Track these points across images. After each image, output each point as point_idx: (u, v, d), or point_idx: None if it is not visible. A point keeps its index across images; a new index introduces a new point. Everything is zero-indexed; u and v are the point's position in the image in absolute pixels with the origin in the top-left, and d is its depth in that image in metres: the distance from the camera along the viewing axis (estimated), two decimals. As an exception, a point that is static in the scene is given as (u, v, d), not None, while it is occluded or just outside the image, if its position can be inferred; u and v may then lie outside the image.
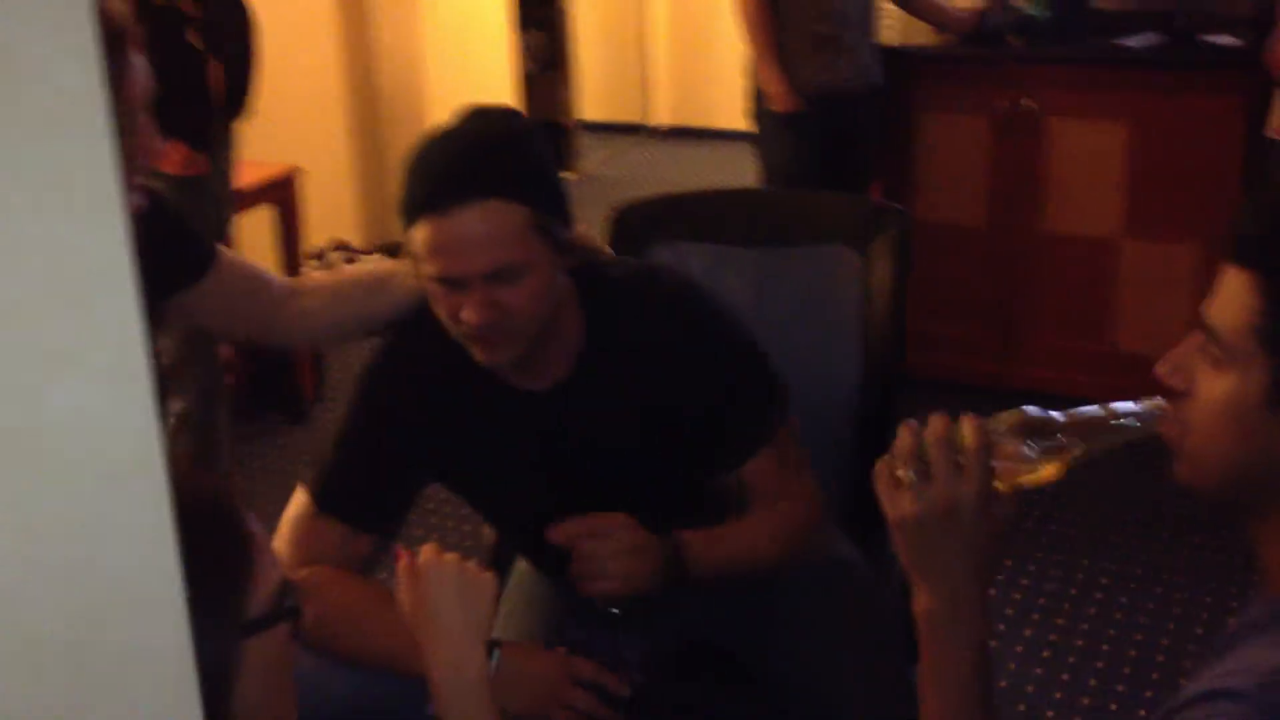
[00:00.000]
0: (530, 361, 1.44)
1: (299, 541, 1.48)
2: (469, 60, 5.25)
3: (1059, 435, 1.02)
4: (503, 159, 1.34)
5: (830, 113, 3.47)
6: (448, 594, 1.20)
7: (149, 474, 0.53)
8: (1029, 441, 1.01)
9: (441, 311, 1.39)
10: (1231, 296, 0.97)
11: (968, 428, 1.01)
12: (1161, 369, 1.03)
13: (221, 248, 1.62)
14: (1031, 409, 1.04)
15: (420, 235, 1.34)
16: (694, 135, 7.09)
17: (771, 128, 3.54)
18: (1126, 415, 1.02)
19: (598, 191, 6.25)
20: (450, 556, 1.24)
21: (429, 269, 1.35)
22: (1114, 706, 2.47)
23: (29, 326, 0.50)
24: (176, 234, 1.54)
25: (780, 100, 3.45)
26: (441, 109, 5.05)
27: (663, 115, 7.32)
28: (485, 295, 1.33)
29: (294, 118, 4.37)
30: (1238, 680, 0.90)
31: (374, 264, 1.72)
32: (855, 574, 1.71)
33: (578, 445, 1.51)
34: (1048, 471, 1.02)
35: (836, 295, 1.94)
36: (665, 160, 6.90)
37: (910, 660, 1.11)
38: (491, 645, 1.38)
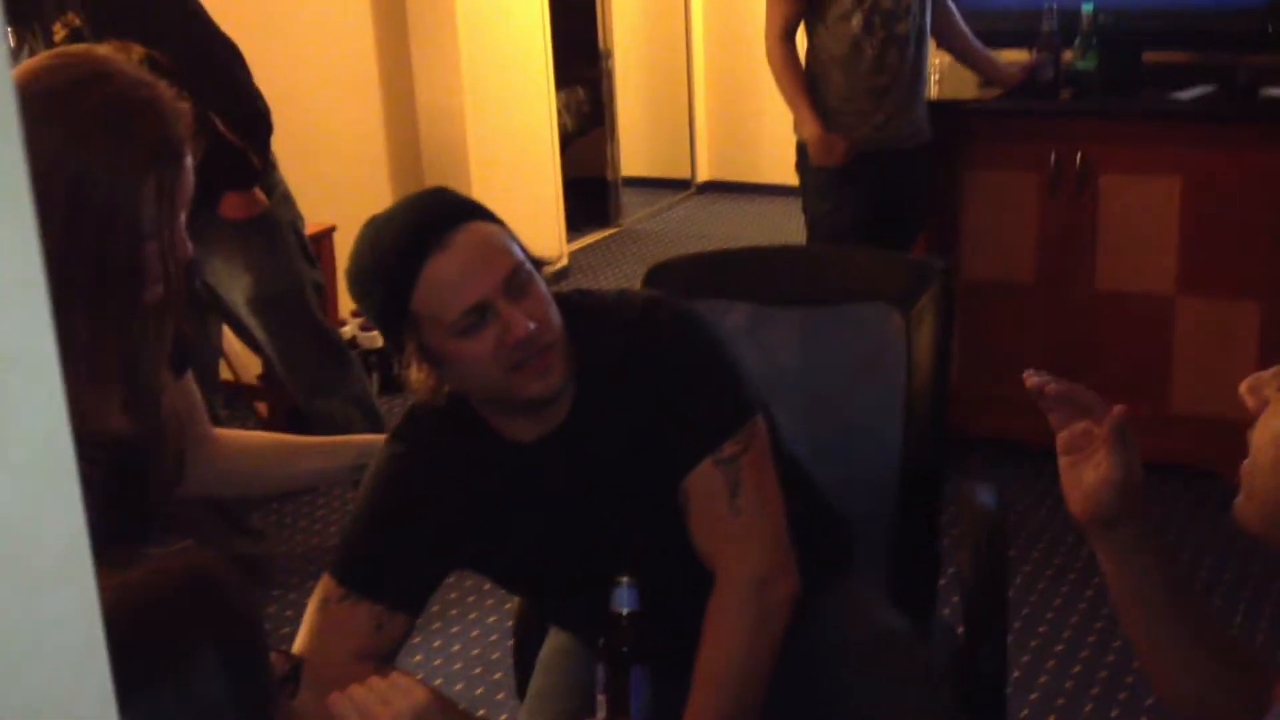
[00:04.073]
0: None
1: (330, 631, 1.43)
2: (510, 119, 5.26)
3: None
4: (458, 196, 1.45)
5: (881, 168, 3.40)
6: None
7: (77, 581, 0.47)
8: None
9: (480, 354, 1.37)
10: None
11: None
12: (1243, 386, 0.99)
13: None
14: None
15: (429, 283, 1.36)
16: (738, 190, 7.06)
17: (817, 182, 3.47)
18: None
19: (639, 246, 6.23)
20: (363, 693, 1.17)
21: (452, 311, 1.35)
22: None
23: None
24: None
25: (818, 150, 3.37)
26: (483, 167, 5.07)
27: (707, 170, 7.30)
28: (516, 311, 1.36)
29: (337, 178, 4.38)
30: None
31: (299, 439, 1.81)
32: (902, 643, 1.64)
33: (588, 483, 1.48)
34: None
35: (879, 355, 1.88)
36: (708, 215, 6.87)
37: None
38: None
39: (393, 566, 1.45)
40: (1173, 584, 1.14)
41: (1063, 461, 1.17)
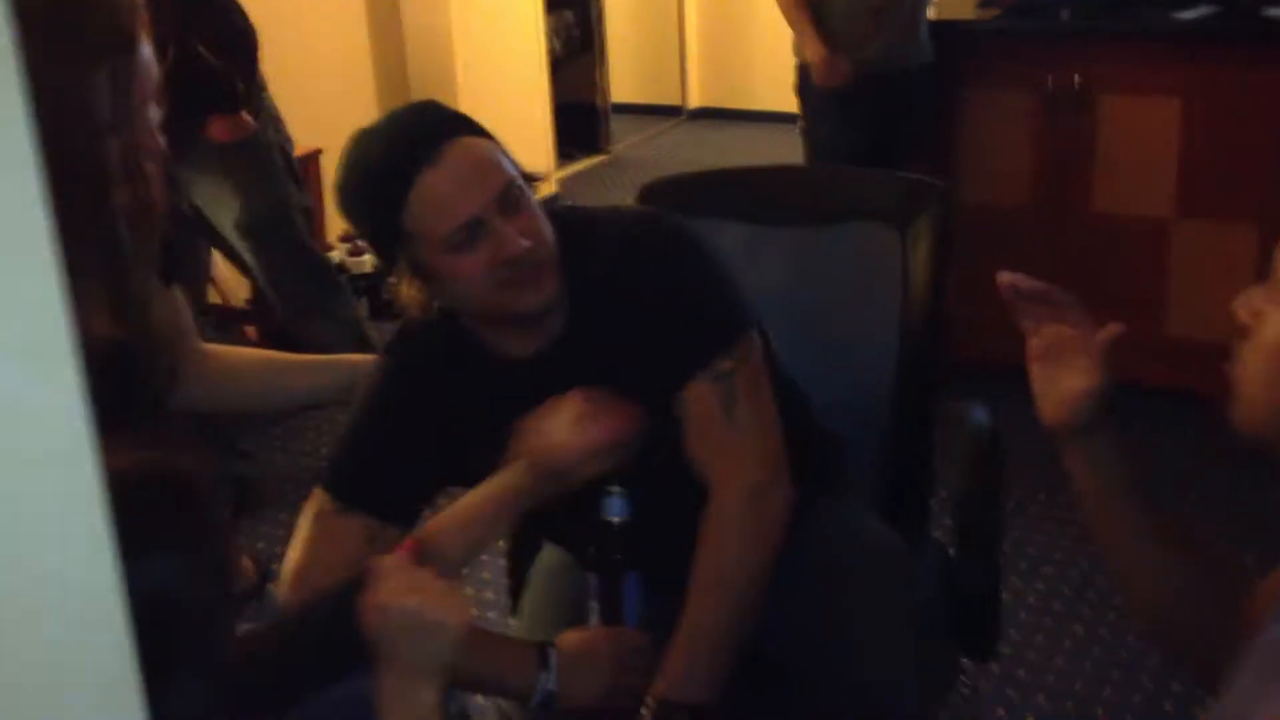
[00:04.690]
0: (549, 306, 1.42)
1: (323, 542, 1.43)
2: (498, 42, 5.18)
3: None
4: (448, 110, 1.42)
5: (884, 90, 3.36)
6: (407, 623, 1.08)
7: (79, 463, 0.46)
8: None
9: (473, 270, 1.35)
10: None
11: None
12: (1237, 301, 1.00)
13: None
14: None
15: (420, 199, 1.33)
16: (731, 117, 6.99)
17: (819, 103, 3.43)
18: None
19: (629, 173, 6.17)
20: (419, 577, 1.12)
21: (445, 228, 1.33)
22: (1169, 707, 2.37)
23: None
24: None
25: (822, 72, 3.33)
26: (471, 91, 5.00)
27: (699, 97, 7.21)
28: (509, 228, 1.34)
29: (322, 101, 4.31)
30: None
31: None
32: (893, 559, 1.65)
33: None
34: None
35: (874, 276, 1.86)
36: (700, 142, 6.80)
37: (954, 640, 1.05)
38: (545, 646, 1.37)
39: (384, 479, 1.45)
40: (1144, 491, 1.15)
41: (1034, 367, 1.17)
